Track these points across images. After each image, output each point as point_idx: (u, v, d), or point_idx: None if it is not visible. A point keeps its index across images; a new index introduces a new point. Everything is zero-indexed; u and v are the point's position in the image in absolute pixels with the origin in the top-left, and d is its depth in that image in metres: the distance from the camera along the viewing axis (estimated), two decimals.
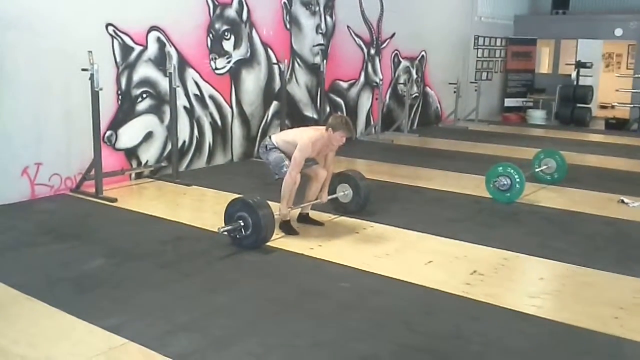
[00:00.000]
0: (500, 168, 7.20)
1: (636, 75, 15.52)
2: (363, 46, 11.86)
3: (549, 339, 3.87)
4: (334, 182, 6.36)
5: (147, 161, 8.07)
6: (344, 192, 6.40)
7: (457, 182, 8.16)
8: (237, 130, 9.38)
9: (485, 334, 3.90)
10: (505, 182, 7.10)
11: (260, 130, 9.72)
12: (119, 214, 6.46)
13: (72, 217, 6.32)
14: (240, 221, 5.27)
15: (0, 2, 6.39)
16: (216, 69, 8.87)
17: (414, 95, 13.53)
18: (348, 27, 11.37)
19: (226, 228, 5.29)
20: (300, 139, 5.62)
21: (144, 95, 7.92)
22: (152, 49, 7.94)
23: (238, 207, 5.34)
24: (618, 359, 3.71)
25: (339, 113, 10.55)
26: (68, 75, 6.91)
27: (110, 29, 7.43)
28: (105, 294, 4.37)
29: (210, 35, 8.72)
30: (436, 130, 13.65)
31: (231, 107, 9.22)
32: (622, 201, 7.30)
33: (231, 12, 8.98)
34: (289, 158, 5.70)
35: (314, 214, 6.21)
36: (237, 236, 5.32)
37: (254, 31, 9.36)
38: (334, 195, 6.35)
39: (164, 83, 7.97)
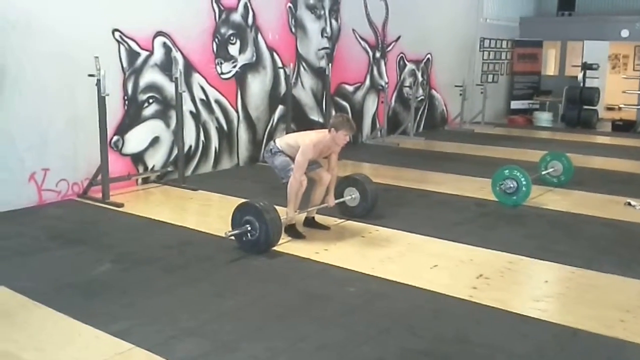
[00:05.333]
0: (507, 171, 7.19)
1: None
2: (368, 49, 11.87)
3: (553, 342, 3.87)
4: (341, 185, 6.39)
5: (153, 166, 8.11)
6: (352, 196, 6.42)
7: (463, 185, 8.15)
8: (243, 135, 9.41)
9: (490, 338, 3.91)
10: (512, 185, 7.10)
11: (266, 135, 9.74)
12: (125, 219, 6.50)
13: (79, 223, 6.36)
14: (248, 225, 5.30)
15: (5, 6, 6.45)
16: (222, 73, 8.90)
17: (419, 98, 13.52)
18: (353, 30, 11.38)
19: (233, 232, 5.32)
20: (302, 142, 5.67)
21: (150, 101, 7.96)
22: (158, 54, 7.98)
23: (245, 211, 5.37)
24: None
25: (340, 112, 10.47)
26: (75, 80, 6.96)
27: (117, 34, 7.48)
28: (112, 299, 4.40)
29: (216, 40, 8.75)
30: (442, 133, 13.65)
31: (237, 111, 9.25)
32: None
33: (237, 17, 9.01)
34: (294, 161, 5.73)
35: (319, 218, 6.22)
36: (244, 239, 5.35)
37: (259, 35, 9.39)
38: (341, 199, 6.37)
39: (170, 88, 8.01)
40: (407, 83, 13.06)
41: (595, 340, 3.89)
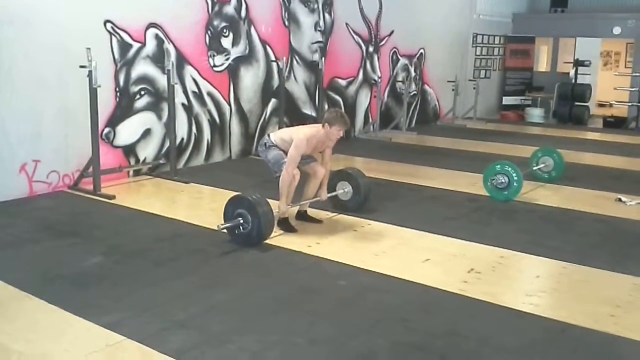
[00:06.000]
0: (498, 166, 7.20)
1: (634, 74, 15.50)
2: (362, 44, 11.86)
3: (545, 336, 3.88)
4: (334, 179, 6.39)
5: (145, 158, 8.08)
6: (344, 190, 6.42)
7: (454, 180, 8.16)
8: (235, 128, 9.39)
9: (482, 331, 3.92)
10: (503, 180, 7.12)
11: (258, 128, 9.72)
12: (116, 211, 6.47)
13: (70, 214, 6.32)
14: (240, 218, 5.29)
15: (6, 2, 6.40)
16: (214, 66, 8.87)
17: (412, 93, 13.53)
18: (347, 24, 11.36)
19: (226, 225, 5.32)
20: (296, 136, 5.66)
21: (142, 93, 7.92)
22: (151, 45, 7.94)
23: (238, 204, 5.36)
24: (612, 357, 3.72)
25: (334, 107, 10.48)
26: (66, 72, 6.91)
27: (109, 25, 7.43)
28: (103, 291, 4.38)
29: (209, 32, 8.71)
30: (434, 128, 13.66)
31: (229, 104, 9.22)
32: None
33: (230, 9, 8.97)
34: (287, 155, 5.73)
35: (312, 212, 6.22)
36: (236, 232, 5.34)
37: (252, 28, 9.36)
38: (334, 193, 6.37)
39: (162, 80, 7.96)
40: (400, 78, 13.05)
41: (586, 334, 3.91)
